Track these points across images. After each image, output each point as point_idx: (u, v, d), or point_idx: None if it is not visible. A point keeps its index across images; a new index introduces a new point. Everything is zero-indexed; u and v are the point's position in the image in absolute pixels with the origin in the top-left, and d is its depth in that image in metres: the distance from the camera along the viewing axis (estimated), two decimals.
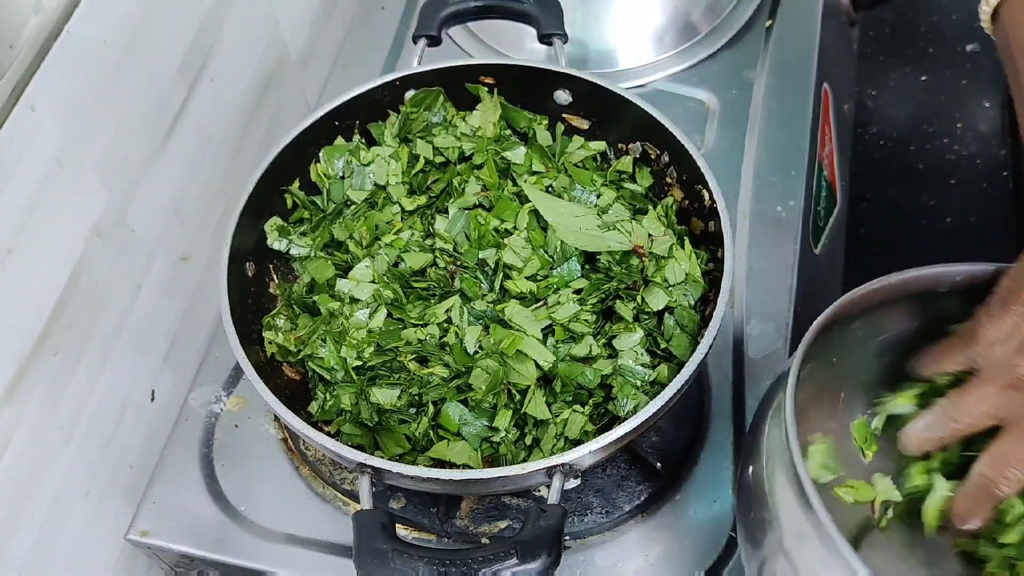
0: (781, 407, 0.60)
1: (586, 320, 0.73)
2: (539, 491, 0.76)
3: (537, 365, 0.71)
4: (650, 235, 0.76)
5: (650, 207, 0.79)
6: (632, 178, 0.82)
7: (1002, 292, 0.61)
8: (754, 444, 0.64)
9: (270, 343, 0.75)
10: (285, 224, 0.81)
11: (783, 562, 0.59)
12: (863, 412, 0.73)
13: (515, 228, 0.77)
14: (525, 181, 0.79)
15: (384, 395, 0.71)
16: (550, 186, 0.79)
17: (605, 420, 0.71)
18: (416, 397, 0.72)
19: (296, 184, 0.82)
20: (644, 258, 0.75)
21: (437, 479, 0.62)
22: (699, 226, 0.78)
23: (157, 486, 0.80)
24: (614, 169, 0.82)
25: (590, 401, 0.71)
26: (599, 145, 0.84)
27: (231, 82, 0.88)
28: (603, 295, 0.74)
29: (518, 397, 0.70)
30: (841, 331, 0.66)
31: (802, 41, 1.04)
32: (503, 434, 0.70)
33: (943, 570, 0.70)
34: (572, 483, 0.76)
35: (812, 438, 0.69)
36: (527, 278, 0.75)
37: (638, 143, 0.82)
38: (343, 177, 0.83)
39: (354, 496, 0.78)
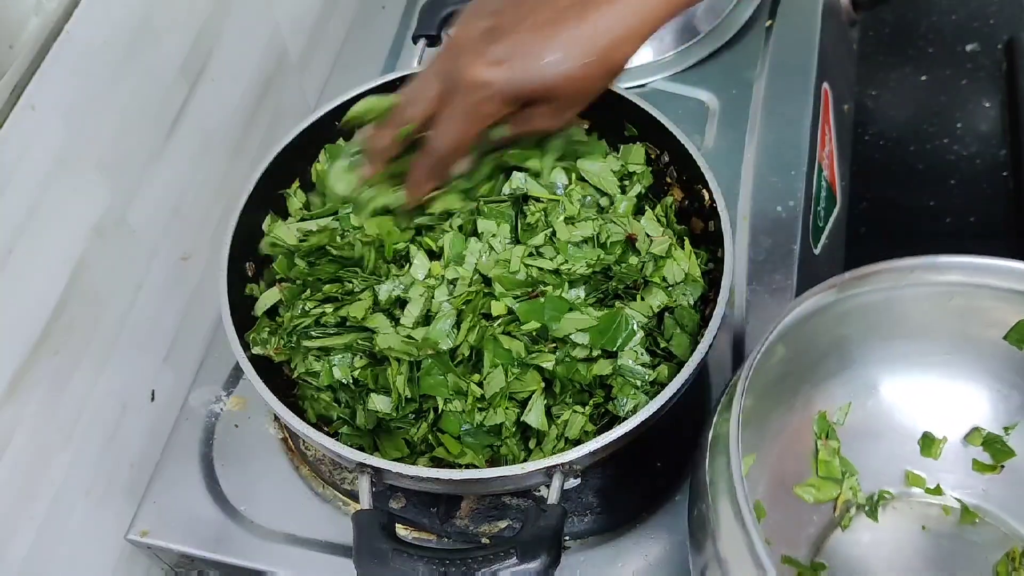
0: (728, 410, 0.60)
1: None
2: (539, 491, 0.76)
3: (540, 372, 0.70)
4: (648, 235, 0.76)
5: (647, 207, 0.79)
6: None
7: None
8: (705, 444, 0.63)
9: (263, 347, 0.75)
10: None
11: (718, 570, 0.59)
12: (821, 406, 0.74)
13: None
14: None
15: (383, 402, 0.71)
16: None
17: (605, 420, 0.71)
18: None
19: (296, 184, 0.82)
20: (636, 242, 0.75)
21: (437, 479, 0.62)
22: (699, 226, 0.78)
23: (157, 486, 0.80)
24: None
25: (591, 401, 0.71)
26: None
27: (231, 82, 0.88)
28: (602, 295, 0.74)
29: (517, 410, 0.70)
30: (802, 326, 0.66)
31: (802, 41, 1.04)
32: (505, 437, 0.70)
33: (910, 569, 0.71)
34: (572, 483, 0.76)
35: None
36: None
37: (638, 143, 0.82)
38: None
39: (354, 496, 0.78)
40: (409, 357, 0.69)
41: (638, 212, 0.79)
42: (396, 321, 0.71)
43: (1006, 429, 0.74)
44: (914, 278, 0.67)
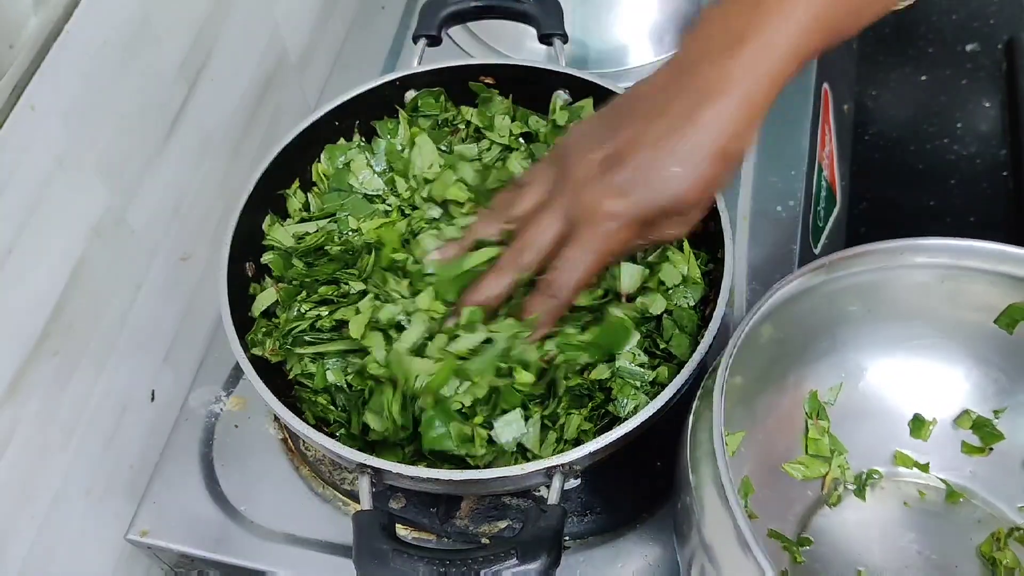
0: (711, 394, 0.60)
1: None
2: (539, 491, 0.76)
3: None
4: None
5: None
6: None
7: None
8: (687, 431, 0.63)
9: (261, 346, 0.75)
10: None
11: (704, 557, 0.59)
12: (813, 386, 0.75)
13: None
14: None
15: (376, 421, 0.69)
16: None
17: (605, 420, 0.71)
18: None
19: (296, 184, 0.82)
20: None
21: (437, 479, 0.62)
22: (699, 226, 0.78)
23: (157, 486, 0.80)
24: None
25: (589, 404, 0.71)
26: None
27: (231, 82, 0.88)
28: (600, 297, 0.74)
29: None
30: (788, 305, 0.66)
31: None
32: None
33: (896, 547, 0.71)
34: (572, 483, 0.76)
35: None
36: None
37: None
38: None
39: (354, 496, 0.78)
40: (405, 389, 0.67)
41: None
42: (391, 341, 0.71)
43: (996, 412, 0.74)
44: (903, 260, 0.68)
